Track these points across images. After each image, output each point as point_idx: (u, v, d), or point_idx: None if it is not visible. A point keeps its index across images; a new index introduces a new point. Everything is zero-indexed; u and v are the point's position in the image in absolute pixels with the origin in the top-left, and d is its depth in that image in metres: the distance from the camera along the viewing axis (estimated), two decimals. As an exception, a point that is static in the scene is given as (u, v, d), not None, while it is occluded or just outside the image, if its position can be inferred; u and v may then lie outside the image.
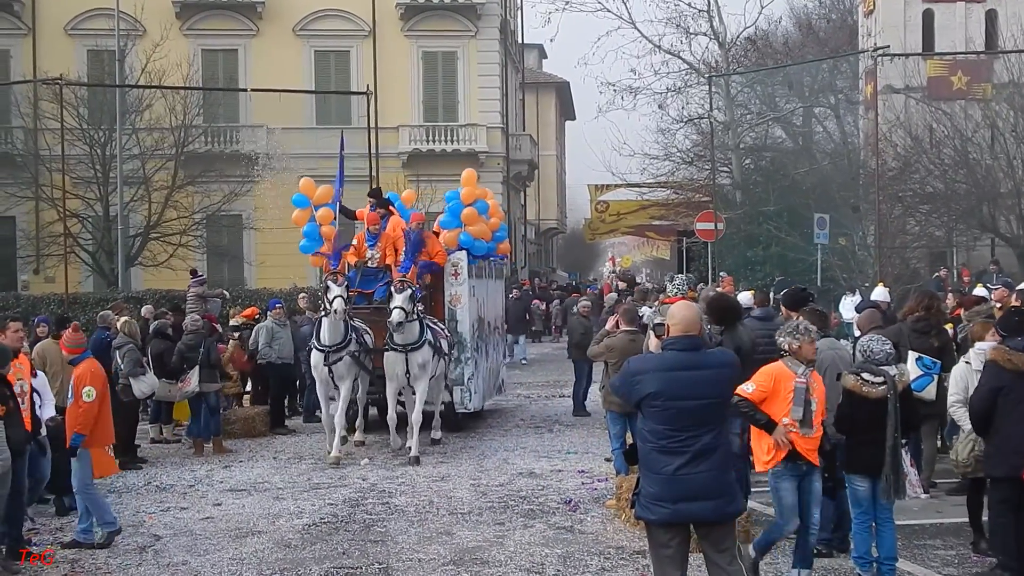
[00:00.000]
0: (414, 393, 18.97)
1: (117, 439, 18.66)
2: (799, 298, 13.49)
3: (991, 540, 11.18)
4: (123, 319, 19.78)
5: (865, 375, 10.45)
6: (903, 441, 10.78)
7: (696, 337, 8.33)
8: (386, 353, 18.89)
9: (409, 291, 18.43)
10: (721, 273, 30.39)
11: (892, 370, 10.55)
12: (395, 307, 18.23)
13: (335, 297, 18.16)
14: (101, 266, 41.36)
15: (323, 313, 18.84)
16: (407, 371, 18.70)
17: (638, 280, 42.09)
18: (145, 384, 18.80)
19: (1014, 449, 10.47)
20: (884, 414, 10.27)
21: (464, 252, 21.54)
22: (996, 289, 19.20)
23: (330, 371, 18.60)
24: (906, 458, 10.95)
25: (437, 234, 21.94)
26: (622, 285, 28.01)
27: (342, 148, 21.76)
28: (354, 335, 18.86)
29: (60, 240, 37.68)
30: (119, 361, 18.63)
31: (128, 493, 16.36)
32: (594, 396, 23.18)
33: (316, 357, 18.75)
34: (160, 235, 42.04)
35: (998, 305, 16.89)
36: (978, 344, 12.10)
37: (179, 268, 38.78)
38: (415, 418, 18.67)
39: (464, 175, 22.67)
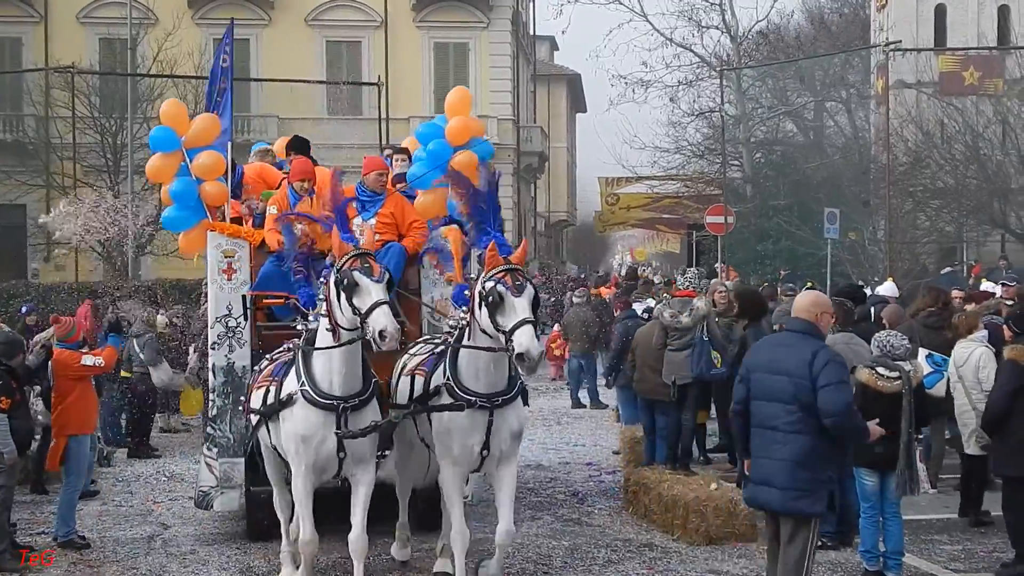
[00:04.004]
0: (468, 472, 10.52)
1: (136, 428, 18.91)
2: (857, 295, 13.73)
3: (1010, 536, 11.17)
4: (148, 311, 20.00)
5: (880, 369, 10.46)
6: (917, 437, 10.86)
7: (805, 322, 8.76)
8: (444, 408, 9.87)
9: (532, 291, 9.35)
10: (718, 264, 30.40)
11: (907, 366, 10.57)
12: (524, 321, 9.09)
13: (376, 306, 9.15)
14: (111, 255, 41.42)
15: (312, 333, 10.03)
16: (485, 444, 9.91)
17: (639, 272, 42.13)
18: (164, 373, 18.92)
19: None
20: (897, 409, 10.29)
21: (456, 227, 12.18)
22: (1011, 285, 19.27)
23: (340, 449, 9.77)
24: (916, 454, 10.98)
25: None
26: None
27: (228, 39, 13.90)
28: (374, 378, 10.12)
29: (71, 228, 37.68)
30: (137, 350, 18.75)
31: (137, 482, 16.43)
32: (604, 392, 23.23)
33: (308, 420, 9.72)
34: (171, 224, 42.09)
35: (1009, 301, 16.90)
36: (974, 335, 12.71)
37: (189, 258, 38.81)
38: (504, 530, 10.37)
39: (452, 97, 13.76)
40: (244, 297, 12.29)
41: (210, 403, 12.43)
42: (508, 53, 51.87)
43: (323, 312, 9.67)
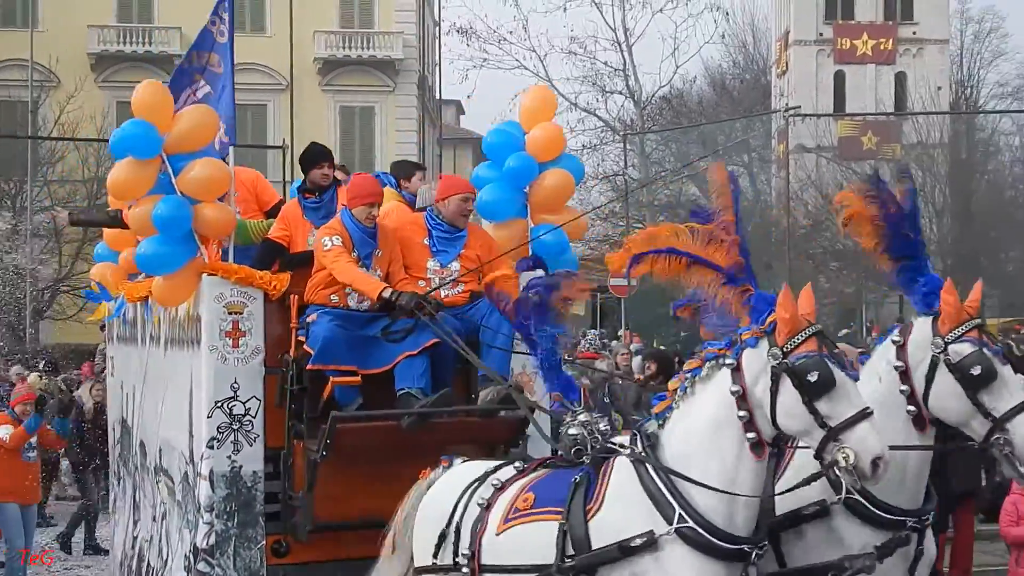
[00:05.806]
0: None
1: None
2: None
3: None
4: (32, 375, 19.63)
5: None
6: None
7: None
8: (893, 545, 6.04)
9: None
10: (622, 331, 30.85)
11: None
12: None
13: (863, 417, 5.29)
14: (9, 319, 40.73)
15: (653, 438, 5.86)
16: None
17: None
18: None
19: None
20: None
21: (541, 271, 8.58)
22: None
23: None
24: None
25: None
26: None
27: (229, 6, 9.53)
28: None
29: (-33, 293, 37.09)
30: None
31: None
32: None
33: (705, 574, 5.56)
34: (71, 288, 41.48)
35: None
36: None
37: (89, 322, 38.31)
38: None
39: (532, 98, 9.60)
40: (293, 374, 8.08)
41: (203, 528, 8.09)
42: (414, 117, 52.06)
43: (740, 413, 5.57)
